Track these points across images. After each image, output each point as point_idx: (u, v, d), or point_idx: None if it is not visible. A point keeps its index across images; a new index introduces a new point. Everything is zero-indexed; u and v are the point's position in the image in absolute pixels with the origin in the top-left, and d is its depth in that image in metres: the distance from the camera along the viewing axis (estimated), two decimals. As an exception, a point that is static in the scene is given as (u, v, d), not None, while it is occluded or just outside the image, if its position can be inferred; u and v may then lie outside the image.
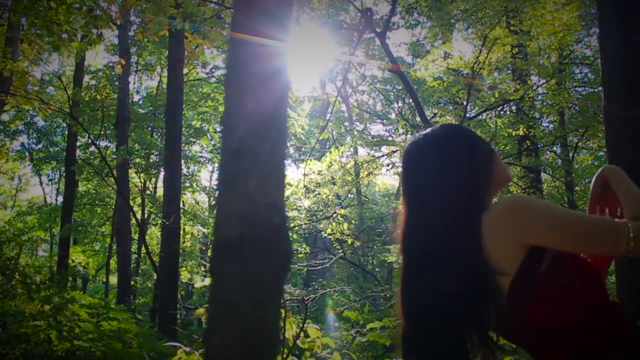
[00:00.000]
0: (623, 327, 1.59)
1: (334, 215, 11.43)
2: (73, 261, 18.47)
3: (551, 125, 15.35)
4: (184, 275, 18.62)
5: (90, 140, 14.42)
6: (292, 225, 12.94)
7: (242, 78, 0.85)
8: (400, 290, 1.76)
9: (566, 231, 1.57)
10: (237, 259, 0.78)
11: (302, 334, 4.64)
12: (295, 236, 18.21)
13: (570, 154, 15.20)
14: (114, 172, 12.76)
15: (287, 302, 4.58)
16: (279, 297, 0.79)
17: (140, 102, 21.49)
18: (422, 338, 1.69)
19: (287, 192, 12.45)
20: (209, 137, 20.23)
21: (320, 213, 12.81)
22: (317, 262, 11.93)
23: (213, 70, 19.85)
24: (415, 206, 1.77)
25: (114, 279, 18.86)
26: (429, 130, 1.86)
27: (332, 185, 12.25)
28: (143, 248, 16.13)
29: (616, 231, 1.56)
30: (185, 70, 15.23)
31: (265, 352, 0.76)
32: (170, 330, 8.59)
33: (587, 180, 14.63)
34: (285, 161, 0.86)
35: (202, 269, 19.59)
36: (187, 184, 19.15)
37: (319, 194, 12.31)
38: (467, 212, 1.66)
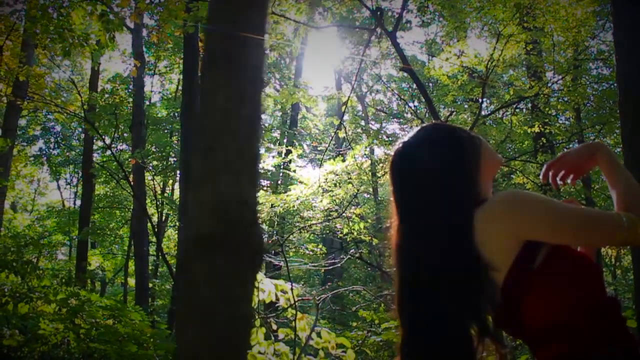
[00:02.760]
0: (619, 322, 1.58)
1: (345, 215, 11.39)
2: (91, 264, 18.57)
3: (567, 122, 15.22)
4: (202, 277, 18.67)
5: (105, 144, 14.51)
6: (307, 224, 12.91)
7: (215, 74, 0.85)
8: (397, 292, 1.75)
9: (562, 224, 1.57)
10: (207, 255, 0.78)
11: (314, 335, 4.65)
12: (311, 237, 18.19)
13: (587, 151, 14.99)
14: (129, 176, 12.83)
15: (298, 302, 4.58)
16: (249, 293, 0.79)
17: (158, 104, 21.59)
18: (423, 337, 1.68)
19: (306, 192, 12.42)
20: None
21: (335, 213, 12.78)
22: (328, 262, 11.91)
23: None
24: (406, 206, 1.76)
25: (133, 282, 18.94)
26: (415, 130, 1.86)
27: (348, 186, 12.19)
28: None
29: (612, 222, 1.57)
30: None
31: (235, 348, 0.76)
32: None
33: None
34: (258, 159, 0.86)
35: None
36: (203, 186, 19.12)
37: (335, 194, 12.25)
38: (460, 206, 1.65)
